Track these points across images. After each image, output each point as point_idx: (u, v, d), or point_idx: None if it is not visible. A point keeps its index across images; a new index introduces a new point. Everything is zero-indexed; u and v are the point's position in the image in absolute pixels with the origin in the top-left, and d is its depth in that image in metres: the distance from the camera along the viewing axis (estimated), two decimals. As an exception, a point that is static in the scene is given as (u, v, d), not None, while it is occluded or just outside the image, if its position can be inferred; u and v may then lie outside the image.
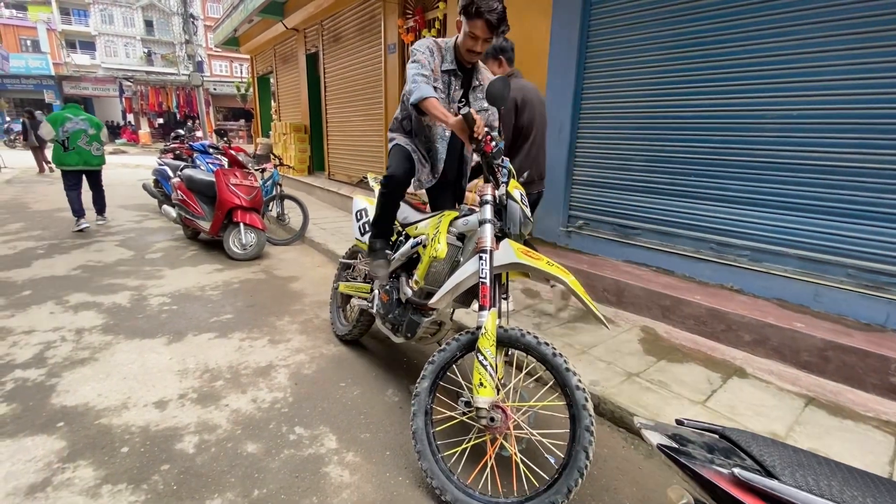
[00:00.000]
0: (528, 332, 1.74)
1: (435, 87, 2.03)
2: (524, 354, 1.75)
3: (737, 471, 0.76)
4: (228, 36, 11.16)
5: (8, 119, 25.14)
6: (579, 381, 1.63)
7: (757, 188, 2.94)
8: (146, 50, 32.80)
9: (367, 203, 2.58)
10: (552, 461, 1.69)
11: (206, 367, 2.65)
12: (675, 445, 0.89)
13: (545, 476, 1.64)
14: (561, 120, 3.91)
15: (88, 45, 31.58)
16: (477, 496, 1.66)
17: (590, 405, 1.60)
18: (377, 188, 2.30)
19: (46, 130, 5.55)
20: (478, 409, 1.64)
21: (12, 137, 20.90)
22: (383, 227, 2.33)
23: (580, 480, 1.53)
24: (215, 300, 3.65)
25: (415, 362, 2.79)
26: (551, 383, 1.71)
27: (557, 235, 4.10)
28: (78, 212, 5.94)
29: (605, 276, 3.38)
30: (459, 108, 2.08)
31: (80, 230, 5.87)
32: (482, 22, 1.86)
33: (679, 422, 0.99)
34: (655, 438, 0.91)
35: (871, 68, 2.47)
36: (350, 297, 2.86)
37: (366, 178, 2.73)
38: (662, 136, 3.37)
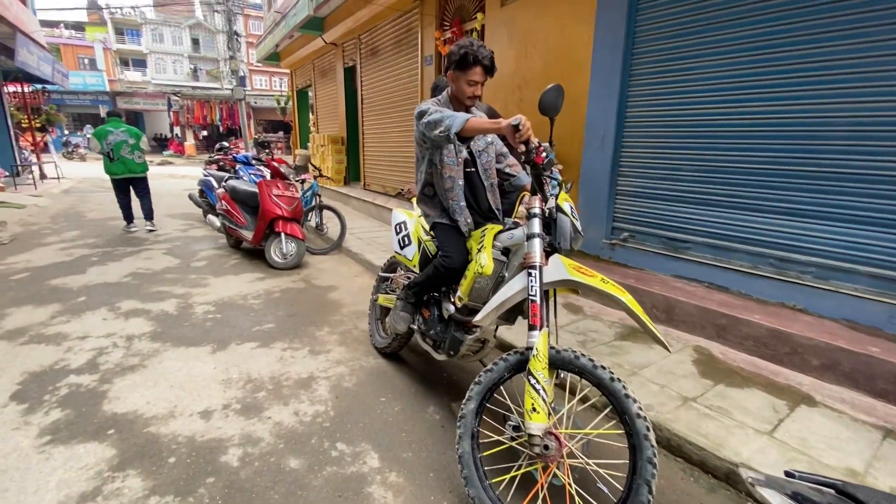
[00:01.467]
0: (583, 354, 1.65)
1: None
2: (577, 378, 1.66)
3: None
4: (270, 51, 11.57)
5: (66, 132, 26.89)
6: (640, 408, 1.52)
7: (823, 199, 2.73)
8: (192, 66, 34.51)
9: (406, 216, 2.56)
10: (606, 491, 1.58)
11: (248, 377, 2.67)
12: None
13: (602, 510, 1.54)
14: (604, 128, 3.79)
15: (140, 63, 33.50)
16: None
17: (652, 435, 1.49)
18: (428, 244, 2.32)
19: (94, 144, 5.97)
20: (530, 435, 1.55)
21: (70, 150, 22.33)
22: (423, 292, 2.33)
23: (643, 517, 1.42)
24: (257, 309, 3.70)
25: (455, 378, 2.72)
26: (608, 410, 1.61)
27: (601, 248, 3.96)
28: (128, 217, 6.46)
29: (654, 291, 3.23)
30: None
31: (131, 233, 6.40)
32: (480, 68, 2.02)
33: (789, 474, 0.87)
34: (776, 500, 0.81)
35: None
36: (389, 309, 2.83)
37: (402, 190, 2.71)
38: (715, 144, 3.20)
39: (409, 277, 2.61)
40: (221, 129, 25.38)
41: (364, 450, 2.07)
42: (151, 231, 6.55)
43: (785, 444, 1.98)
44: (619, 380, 1.58)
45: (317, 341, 3.14)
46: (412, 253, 2.45)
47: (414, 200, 2.57)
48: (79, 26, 33.31)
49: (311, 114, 12.17)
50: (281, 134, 28.32)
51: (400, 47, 7.05)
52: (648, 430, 1.49)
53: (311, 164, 5.81)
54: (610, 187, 3.86)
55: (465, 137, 1.85)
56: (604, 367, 1.61)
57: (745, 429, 2.08)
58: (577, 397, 1.71)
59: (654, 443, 1.49)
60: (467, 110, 2.24)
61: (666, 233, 3.56)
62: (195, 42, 34.92)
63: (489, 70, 2.06)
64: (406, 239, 2.51)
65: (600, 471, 1.59)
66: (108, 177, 6.30)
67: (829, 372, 2.44)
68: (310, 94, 12.05)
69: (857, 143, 2.59)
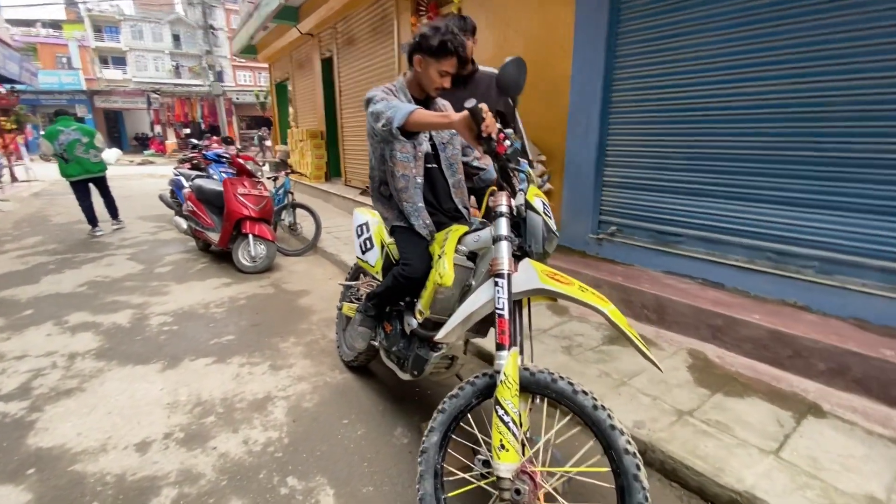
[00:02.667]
0: (561, 377, 1.40)
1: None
2: (556, 404, 1.42)
3: None
4: (245, 44, 11.16)
5: (42, 133, 26.15)
6: (629, 442, 1.28)
7: (824, 187, 2.50)
8: (174, 63, 33.70)
9: (369, 216, 2.29)
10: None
11: (198, 398, 2.40)
12: None
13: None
14: (588, 116, 3.53)
15: (120, 61, 32.63)
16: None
17: (643, 474, 1.25)
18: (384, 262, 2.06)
19: (45, 146, 5.64)
20: (499, 478, 1.30)
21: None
22: (383, 304, 2.07)
23: (634, 577, 1.18)
24: (218, 319, 3.42)
25: (428, 392, 2.47)
26: (591, 442, 1.36)
27: (586, 243, 3.72)
28: (92, 220, 6.20)
29: (644, 289, 2.99)
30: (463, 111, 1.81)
31: (96, 237, 6.06)
32: (455, 58, 1.78)
33: None
34: None
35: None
36: (349, 318, 2.56)
37: (367, 187, 2.43)
38: (707, 129, 2.95)
39: (372, 286, 2.35)
40: (203, 126, 24.80)
41: (318, 485, 1.81)
42: (118, 229, 6.32)
43: (794, 465, 1.75)
44: (603, 407, 1.33)
45: (279, 354, 2.87)
46: (374, 258, 2.19)
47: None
48: (56, 24, 32.32)
49: (290, 108, 11.79)
50: (264, 130, 27.80)
51: (376, 35, 6.73)
52: (639, 468, 1.25)
53: (281, 159, 5.50)
54: (595, 178, 3.61)
55: (411, 132, 1.59)
56: (585, 393, 1.36)
57: (748, 448, 1.85)
58: (556, 427, 1.46)
59: (646, 484, 1.25)
60: (427, 101, 1.98)
61: (656, 226, 3.32)
62: (176, 38, 34.06)
63: (464, 61, 1.82)
64: (368, 242, 2.25)
65: (583, 515, 1.35)
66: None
67: (838, 377, 2.22)
68: (288, 87, 11.67)
69: (862, 125, 2.35)
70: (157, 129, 26.89)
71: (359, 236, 2.31)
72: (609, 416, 1.31)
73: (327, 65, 8.73)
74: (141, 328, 3.26)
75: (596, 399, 1.34)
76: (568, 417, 1.42)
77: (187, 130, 27.37)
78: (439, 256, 1.70)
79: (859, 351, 2.15)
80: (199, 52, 30.41)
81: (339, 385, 2.53)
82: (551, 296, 1.49)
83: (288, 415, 2.26)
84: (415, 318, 1.88)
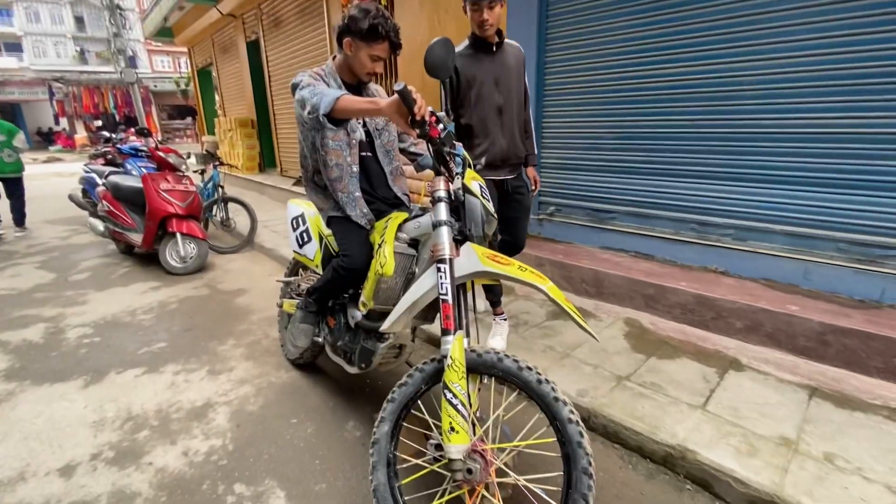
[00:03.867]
0: (507, 356, 1.43)
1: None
2: (502, 382, 1.45)
3: None
4: (159, 26, 10.25)
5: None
6: (571, 412, 1.33)
7: (737, 161, 2.71)
8: (78, 48, 30.38)
9: (304, 207, 2.19)
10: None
11: (128, 413, 2.22)
12: None
13: (538, 531, 1.35)
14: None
15: (15, 47, 28.93)
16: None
17: (586, 441, 1.31)
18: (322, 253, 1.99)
19: None
20: (451, 460, 1.31)
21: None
22: (325, 298, 2.00)
23: (581, 537, 1.25)
24: (147, 326, 3.18)
25: (379, 383, 2.44)
26: (537, 416, 1.41)
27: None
28: None
29: (583, 265, 3.12)
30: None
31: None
32: (388, 43, 1.75)
33: None
34: None
35: (855, 24, 2.25)
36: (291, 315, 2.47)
37: (300, 177, 2.32)
38: (633, 110, 3.10)
39: (312, 280, 2.27)
40: (118, 117, 22.66)
41: (267, 488, 1.75)
42: (19, 236, 5.73)
43: (718, 416, 1.91)
44: (547, 381, 1.38)
45: (218, 358, 2.72)
46: (313, 251, 2.11)
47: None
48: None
49: (216, 96, 11.03)
50: (189, 120, 25.90)
51: (305, 17, 6.42)
52: (582, 435, 1.31)
53: (209, 151, 5.15)
54: (534, 160, 3.68)
55: (339, 120, 1.53)
56: (530, 368, 1.40)
57: (679, 405, 2.00)
58: (504, 404, 1.49)
59: (589, 450, 1.31)
60: (359, 87, 1.91)
61: (591, 204, 3.46)
62: (79, 20, 30.66)
63: (396, 46, 1.77)
64: (305, 235, 2.16)
65: (533, 487, 1.40)
66: None
67: (753, 333, 2.45)
68: (213, 73, 10.89)
69: (766, 102, 2.56)
70: (63, 122, 24.26)
71: (294, 229, 2.21)
72: (552, 388, 1.36)
73: (254, 48, 8.23)
74: (56, 343, 2.96)
75: (540, 374, 1.39)
76: (515, 394, 1.45)
77: (99, 123, 24.87)
78: (379, 246, 1.67)
79: (769, 308, 2.38)
80: (107, 35, 27.60)
81: (285, 385, 2.44)
82: (493, 277, 1.52)
83: (231, 420, 2.15)
84: (358, 310, 1.84)
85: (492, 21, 2.12)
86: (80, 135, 23.77)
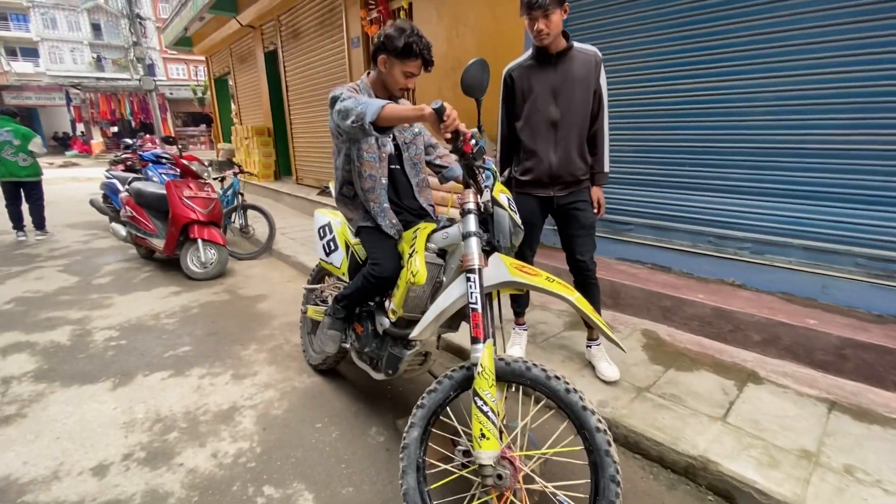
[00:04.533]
0: (535, 364, 1.47)
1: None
2: (531, 391, 1.49)
3: None
4: (179, 35, 10.49)
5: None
6: (599, 420, 1.37)
7: (755, 175, 2.74)
8: (95, 55, 31.08)
9: (331, 217, 2.26)
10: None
11: (157, 415, 2.28)
12: None
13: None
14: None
15: (31, 52, 29.67)
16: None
17: (613, 449, 1.34)
18: (353, 244, 2.06)
19: None
20: (481, 465, 1.35)
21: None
22: (353, 305, 2.05)
23: (609, 544, 1.28)
24: (171, 330, 3.25)
25: (400, 390, 2.49)
26: (565, 424, 1.45)
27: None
28: (17, 225, 5.95)
29: (600, 276, 3.13)
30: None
31: (21, 243, 5.84)
32: (420, 60, 1.81)
33: None
34: None
35: (872, 42, 2.29)
36: (316, 321, 2.53)
37: (327, 187, 2.38)
38: (650, 124, 3.15)
39: (338, 288, 2.33)
40: (134, 123, 23.10)
41: (296, 490, 1.79)
42: (40, 240, 5.91)
43: (739, 429, 1.93)
44: (575, 390, 1.42)
45: (242, 362, 2.78)
46: (340, 260, 2.17)
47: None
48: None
49: (232, 104, 11.24)
50: (203, 127, 26.30)
51: (324, 28, 6.56)
52: (609, 444, 1.35)
53: (231, 160, 5.26)
54: (550, 171, 3.74)
55: (383, 128, 1.59)
56: (558, 378, 1.44)
57: (699, 416, 2.02)
58: (532, 412, 1.53)
59: (617, 458, 1.34)
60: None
61: (608, 216, 3.49)
62: (96, 27, 31.40)
63: (429, 63, 1.84)
64: (332, 244, 2.22)
65: (560, 494, 1.43)
66: None
67: (771, 346, 2.46)
68: (230, 82, 11.11)
69: (783, 118, 2.60)
70: (80, 127, 24.74)
71: (321, 238, 2.27)
72: (580, 398, 1.40)
73: (271, 58, 8.40)
74: (84, 345, 3.04)
75: (568, 383, 1.43)
76: (542, 403, 1.49)
77: (115, 129, 25.40)
78: (410, 255, 1.72)
79: (787, 321, 2.40)
80: (124, 42, 28.22)
81: (308, 389, 2.50)
82: (520, 287, 1.56)
83: (257, 423, 2.21)
84: (387, 317, 1.89)
85: (548, 30, 2.00)
86: (97, 140, 24.23)
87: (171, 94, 26.64)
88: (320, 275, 2.55)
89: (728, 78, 2.76)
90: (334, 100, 1.74)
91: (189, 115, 28.89)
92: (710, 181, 2.92)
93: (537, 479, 1.44)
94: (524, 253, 2.38)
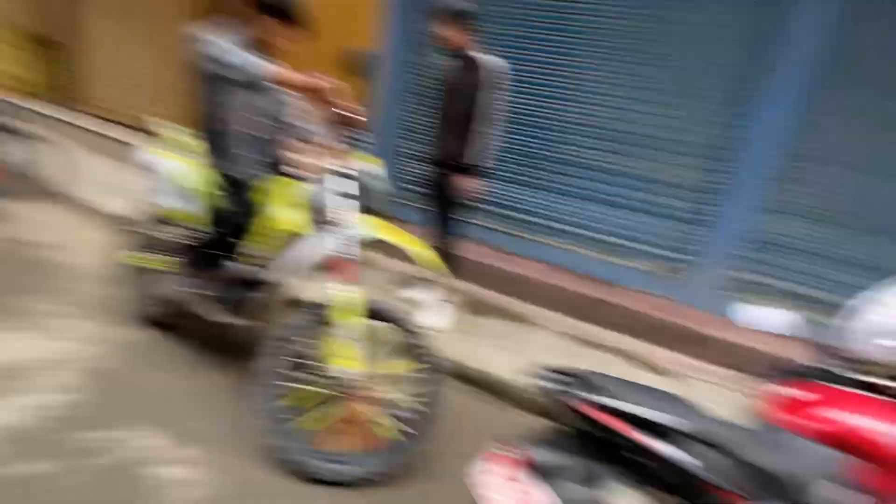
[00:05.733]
0: (392, 304, 1.89)
1: None
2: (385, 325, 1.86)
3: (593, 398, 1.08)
4: None
5: None
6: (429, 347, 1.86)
7: (574, 181, 3.55)
8: None
9: (175, 160, 2.20)
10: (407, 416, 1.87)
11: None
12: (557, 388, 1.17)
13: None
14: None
15: None
16: (340, 460, 1.76)
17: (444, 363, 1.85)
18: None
19: None
20: (334, 377, 1.71)
21: None
22: (202, 252, 2.09)
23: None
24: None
25: (241, 338, 2.57)
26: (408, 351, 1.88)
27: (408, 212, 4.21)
28: None
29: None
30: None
31: None
32: (296, 23, 1.94)
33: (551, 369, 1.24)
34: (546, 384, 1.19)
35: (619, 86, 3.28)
36: (151, 271, 2.42)
37: (152, 127, 2.29)
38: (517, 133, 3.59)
39: (181, 234, 2.28)
40: None
41: (148, 430, 1.85)
42: None
43: (516, 353, 2.72)
44: (417, 326, 1.86)
45: (53, 317, 2.46)
46: (185, 205, 2.15)
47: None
48: None
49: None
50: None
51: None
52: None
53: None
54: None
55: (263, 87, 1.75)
56: (405, 314, 1.88)
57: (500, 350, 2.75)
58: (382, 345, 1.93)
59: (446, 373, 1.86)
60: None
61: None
62: None
63: (302, 25, 1.96)
64: (174, 188, 2.17)
65: (398, 399, 1.88)
66: None
67: (546, 301, 3.40)
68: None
69: (567, 136, 3.49)
70: None
71: (155, 181, 2.20)
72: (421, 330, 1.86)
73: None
74: None
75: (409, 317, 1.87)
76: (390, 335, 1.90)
77: None
78: (270, 204, 1.90)
79: (559, 285, 3.36)
80: None
81: (142, 342, 2.40)
82: (376, 241, 1.89)
83: (87, 377, 2.08)
84: (238, 261, 2.01)
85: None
86: None
87: None
88: (151, 220, 2.40)
89: (553, 101, 3.49)
90: (213, 48, 1.77)
91: None
92: (545, 182, 3.65)
93: (379, 390, 1.85)
94: None
